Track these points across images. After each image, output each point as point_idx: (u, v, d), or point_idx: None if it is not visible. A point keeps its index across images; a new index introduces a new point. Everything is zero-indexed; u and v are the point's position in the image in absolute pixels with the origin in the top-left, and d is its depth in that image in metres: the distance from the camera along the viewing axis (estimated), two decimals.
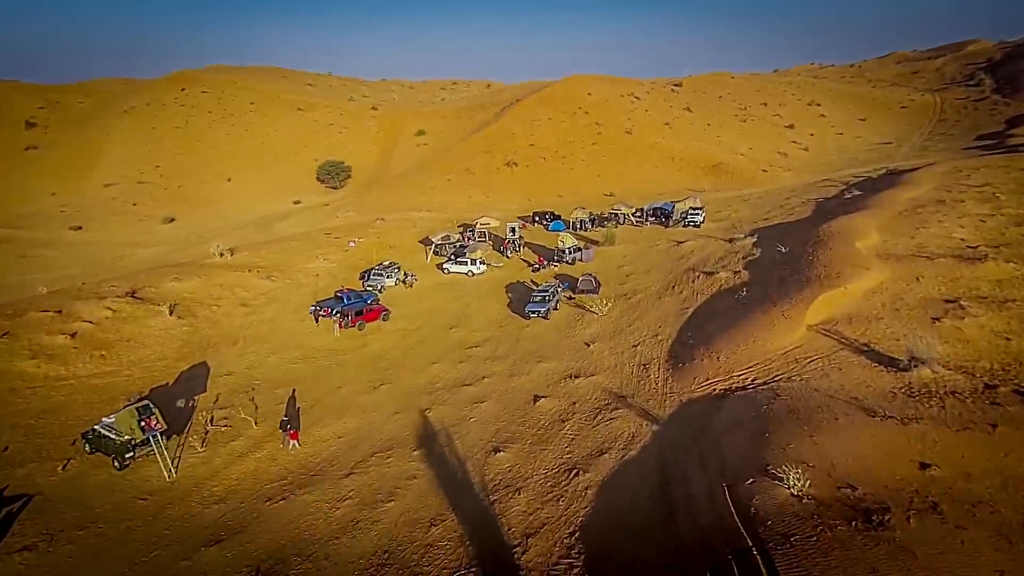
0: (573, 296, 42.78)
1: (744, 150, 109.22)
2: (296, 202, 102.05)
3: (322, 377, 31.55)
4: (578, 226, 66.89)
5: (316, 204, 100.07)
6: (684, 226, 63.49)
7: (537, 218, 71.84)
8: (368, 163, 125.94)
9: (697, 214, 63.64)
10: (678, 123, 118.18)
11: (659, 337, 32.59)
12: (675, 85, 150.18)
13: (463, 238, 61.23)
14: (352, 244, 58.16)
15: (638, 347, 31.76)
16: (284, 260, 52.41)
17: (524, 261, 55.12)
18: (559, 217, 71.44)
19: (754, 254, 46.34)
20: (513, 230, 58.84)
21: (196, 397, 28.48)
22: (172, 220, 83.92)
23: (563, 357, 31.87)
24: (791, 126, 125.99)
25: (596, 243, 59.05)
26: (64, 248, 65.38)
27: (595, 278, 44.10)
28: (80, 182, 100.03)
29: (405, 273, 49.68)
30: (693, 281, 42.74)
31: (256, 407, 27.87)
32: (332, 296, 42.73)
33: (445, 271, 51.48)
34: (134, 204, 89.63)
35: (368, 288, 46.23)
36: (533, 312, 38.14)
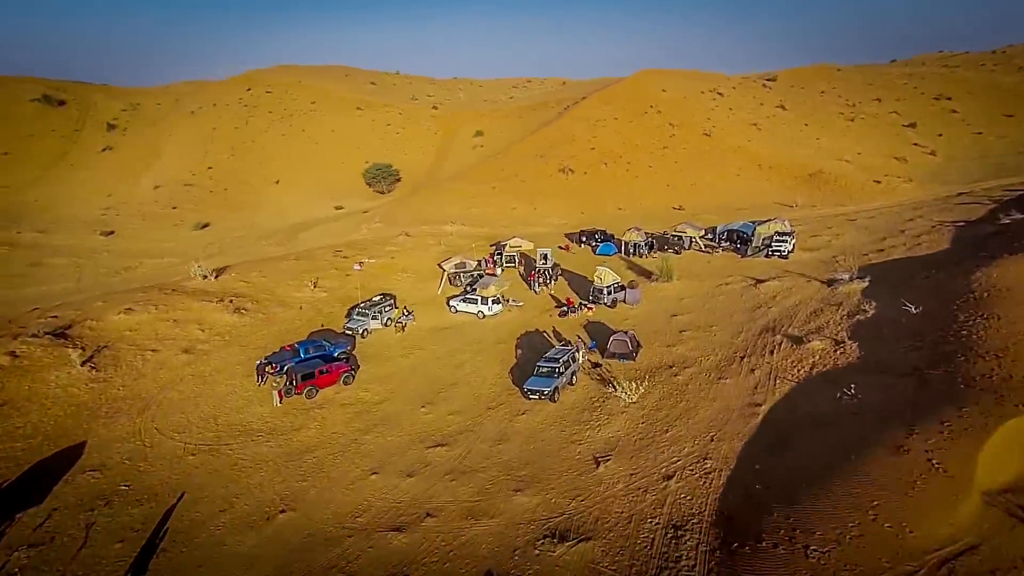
0: (600, 363, 31.42)
1: (850, 155, 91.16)
2: (338, 207, 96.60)
3: (214, 485, 22.61)
4: (631, 251, 54.84)
5: (357, 210, 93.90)
6: (767, 256, 49.83)
7: (584, 238, 60.39)
8: (422, 166, 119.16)
9: (784, 241, 49.70)
10: (769, 123, 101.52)
11: (708, 462, 20.80)
12: (768, 80, 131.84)
13: (483, 265, 51.19)
14: (357, 267, 49.76)
15: (672, 480, 20.20)
16: (270, 286, 44.76)
17: (554, 299, 44.13)
18: (611, 238, 59.60)
19: (866, 310, 32.75)
20: (545, 257, 47.95)
21: (18, 516, 20.32)
22: (205, 226, 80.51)
23: (554, 485, 20.94)
24: (912, 125, 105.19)
25: (649, 276, 46.91)
26: (78, 256, 62.43)
27: (633, 338, 32.41)
28: (136, 183, 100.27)
29: (404, 310, 40.32)
30: (772, 351, 30.07)
31: (84, 541, 19.24)
32: (301, 342, 34.04)
33: (452, 309, 41.61)
34: (173, 208, 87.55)
35: (347, 332, 37.26)
36: (534, 392, 27.34)
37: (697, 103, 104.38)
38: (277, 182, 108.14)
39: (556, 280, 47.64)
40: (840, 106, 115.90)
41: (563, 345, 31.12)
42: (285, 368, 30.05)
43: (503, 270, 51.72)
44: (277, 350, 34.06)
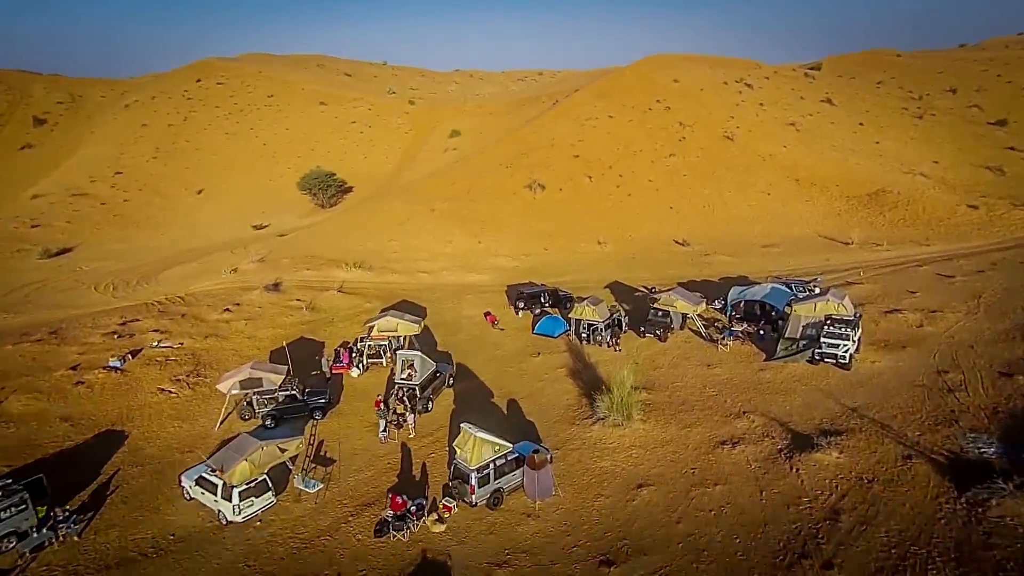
0: None
1: (925, 166, 67.64)
2: (259, 226, 77.33)
3: None
4: (584, 335, 33.79)
5: (283, 230, 74.47)
6: (812, 360, 28.51)
7: (523, 303, 39.43)
8: (382, 171, 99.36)
9: (844, 336, 28.06)
10: (811, 123, 78.35)
11: None
12: (810, 68, 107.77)
13: (326, 365, 30.82)
14: (115, 363, 30.03)
15: None
16: None
17: (405, 447, 23.47)
18: (566, 302, 38.95)
19: None
20: (412, 366, 27.09)
21: None
22: (62, 253, 62.26)
23: None
24: (1001, 123, 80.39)
25: (593, 403, 25.69)
26: None
27: None
28: (23, 191, 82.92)
29: (62, 511, 20.00)
30: None
31: None
32: None
33: (186, 495, 21.28)
34: (34, 226, 69.66)
35: None
36: None
37: (717, 97, 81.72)
38: (200, 192, 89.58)
39: (428, 407, 26.91)
40: (903, 99, 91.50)
41: None
42: None
43: (364, 370, 31.29)
44: None
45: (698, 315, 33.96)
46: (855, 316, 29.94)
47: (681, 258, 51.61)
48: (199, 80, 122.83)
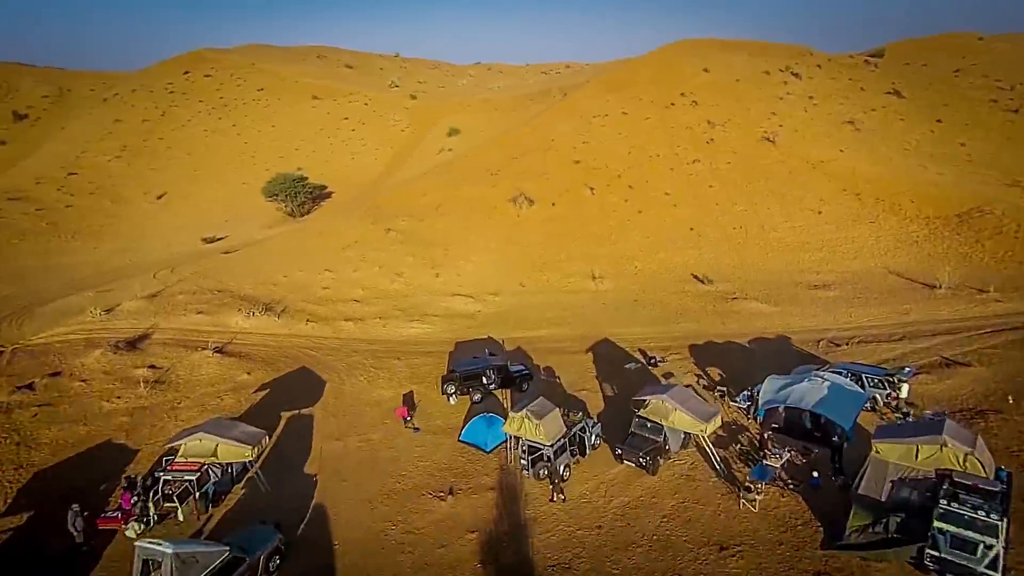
0: None
1: None
2: (210, 239, 66.92)
3: None
4: (524, 461, 21.12)
5: (233, 244, 63.95)
6: (923, 563, 15.05)
7: (455, 388, 26.92)
8: (370, 174, 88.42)
9: (983, 527, 14.55)
10: (874, 121, 63.06)
11: None
12: (871, 56, 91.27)
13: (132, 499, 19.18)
14: None
15: None
16: None
17: None
18: (525, 380, 26.80)
19: None
20: (167, 565, 15.06)
21: None
22: None
23: None
24: None
25: None
26: None
27: None
28: None
29: None
30: None
31: None
32: None
33: None
34: None
35: None
36: None
37: (756, 89, 67.12)
38: (161, 196, 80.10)
39: None
40: (990, 90, 74.56)
41: None
42: None
43: (154, 524, 19.43)
44: None
45: (705, 435, 20.92)
46: (1002, 481, 16.34)
47: (699, 303, 38.22)
48: (186, 72, 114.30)
